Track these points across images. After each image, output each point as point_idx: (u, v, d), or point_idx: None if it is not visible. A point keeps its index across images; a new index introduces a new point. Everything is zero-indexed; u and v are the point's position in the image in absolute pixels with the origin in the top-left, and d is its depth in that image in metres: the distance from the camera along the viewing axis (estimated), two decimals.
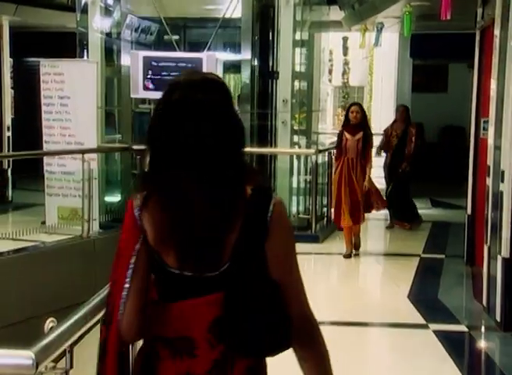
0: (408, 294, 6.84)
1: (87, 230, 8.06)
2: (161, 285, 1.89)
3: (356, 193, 8.12)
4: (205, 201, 1.80)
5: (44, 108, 8.99)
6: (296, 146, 10.67)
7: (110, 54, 10.05)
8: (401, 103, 10.16)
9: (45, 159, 9.08)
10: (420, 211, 10.58)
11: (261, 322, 1.80)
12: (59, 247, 7.92)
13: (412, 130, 9.88)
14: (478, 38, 7.77)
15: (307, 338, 1.89)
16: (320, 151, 9.98)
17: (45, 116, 8.99)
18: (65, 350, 2.21)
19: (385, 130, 10.34)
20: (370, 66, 13.16)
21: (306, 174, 10.52)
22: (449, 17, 6.43)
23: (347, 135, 8.18)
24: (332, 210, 8.63)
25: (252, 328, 1.80)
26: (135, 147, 8.99)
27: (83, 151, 8.25)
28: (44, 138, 9.01)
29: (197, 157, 1.81)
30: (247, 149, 1.96)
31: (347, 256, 8.24)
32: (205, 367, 1.83)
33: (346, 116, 8.35)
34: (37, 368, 1.98)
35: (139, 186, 1.97)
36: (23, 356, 1.97)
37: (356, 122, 8.11)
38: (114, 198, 10.00)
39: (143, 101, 8.99)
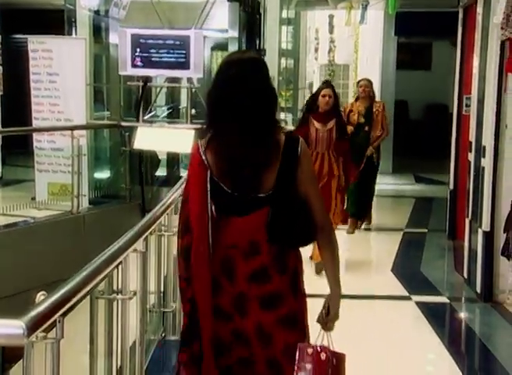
0: (392, 267, 6.89)
1: (77, 206, 8.07)
2: (222, 207, 2.62)
3: (330, 201, 6.42)
4: (250, 146, 2.53)
5: (32, 84, 8.90)
6: (283, 123, 10.66)
7: (98, 31, 9.95)
8: (365, 77, 8.71)
9: (35, 136, 9.02)
10: (404, 187, 10.63)
11: (297, 224, 2.61)
12: (49, 222, 7.96)
13: (378, 107, 8.31)
14: (461, 16, 7.79)
15: (325, 234, 2.70)
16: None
17: (34, 93, 8.91)
18: (55, 320, 2.21)
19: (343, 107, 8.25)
20: (355, 44, 13.11)
21: None
22: None
23: (316, 124, 6.54)
24: None
25: (291, 229, 2.61)
26: (124, 124, 8.96)
27: (72, 128, 8.22)
28: (34, 115, 8.92)
29: (247, 115, 2.52)
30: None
31: (317, 270, 6.33)
32: (270, 259, 2.60)
33: (314, 100, 6.64)
34: (28, 337, 1.99)
35: (201, 134, 2.66)
36: (14, 326, 1.97)
37: (327, 108, 6.51)
38: (103, 174, 9.98)
39: (131, 77, 8.91)
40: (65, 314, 2.28)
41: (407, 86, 13.95)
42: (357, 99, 8.42)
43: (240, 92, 2.52)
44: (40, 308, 2.12)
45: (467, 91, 7.46)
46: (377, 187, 8.92)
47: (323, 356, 2.60)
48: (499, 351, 4.98)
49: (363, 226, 8.66)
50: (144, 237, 3.49)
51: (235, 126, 2.53)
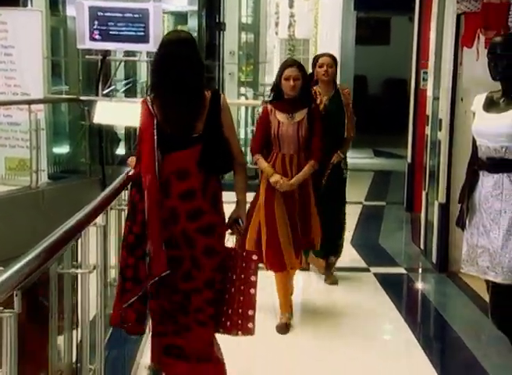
0: (351, 239, 6.97)
1: (36, 181, 7.95)
2: (166, 144, 3.45)
3: (306, 213, 4.84)
4: (184, 101, 3.43)
5: None
6: (244, 97, 10.65)
7: (55, 3, 9.79)
8: (326, 52, 5.82)
9: None
10: (363, 161, 10.69)
11: (221, 157, 3.55)
12: (8, 197, 7.83)
13: (346, 95, 5.57)
14: None
15: (240, 168, 3.67)
16: (266, 103, 9.94)
17: None
18: (13, 294, 2.20)
19: None
20: (315, 19, 13.06)
21: (253, 125, 10.52)
22: None
23: (279, 116, 4.72)
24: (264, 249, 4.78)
25: (217, 160, 3.53)
26: (83, 98, 8.85)
27: (29, 102, 8.08)
28: None
29: (181, 80, 3.41)
30: None
31: (283, 329, 4.76)
32: (198, 183, 3.47)
33: (277, 85, 4.75)
34: None
35: (149, 92, 3.54)
36: None
37: (294, 94, 4.67)
38: (62, 149, 9.86)
39: (90, 51, 8.79)
40: (22, 288, 2.27)
41: (366, 61, 14.01)
42: (314, 83, 5.47)
43: (175, 64, 3.42)
44: None
45: (424, 66, 7.53)
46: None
47: (255, 256, 3.68)
48: (454, 319, 5.09)
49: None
50: (103, 211, 3.47)
51: (171, 88, 3.42)
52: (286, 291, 4.84)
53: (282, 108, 4.73)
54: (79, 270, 3.28)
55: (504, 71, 3.44)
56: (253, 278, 3.62)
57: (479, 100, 3.62)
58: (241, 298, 3.64)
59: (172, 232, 3.49)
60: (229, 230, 3.70)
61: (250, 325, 3.62)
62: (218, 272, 3.54)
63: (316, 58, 5.58)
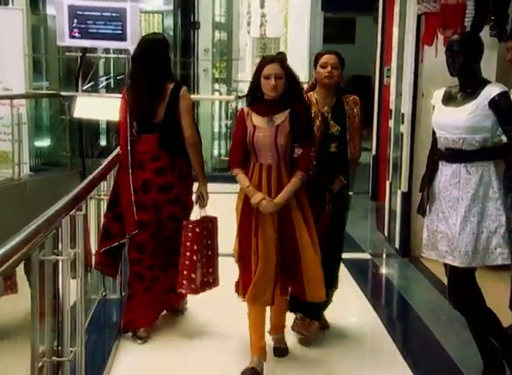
0: None
1: (18, 173, 7.86)
2: (137, 127, 4.15)
3: (291, 238, 3.75)
4: (148, 91, 4.05)
5: None
6: (217, 93, 10.64)
7: (35, 2, 9.72)
8: (331, 50, 4.24)
9: None
10: None
11: (177, 141, 4.12)
12: None
13: (352, 103, 4.21)
14: None
15: (192, 149, 4.15)
16: (239, 98, 9.95)
17: None
18: None
19: None
20: (285, 19, 13.10)
21: (226, 119, 10.54)
22: None
23: (256, 120, 3.73)
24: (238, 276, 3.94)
25: (174, 144, 4.11)
26: (63, 93, 8.80)
27: (11, 97, 7.97)
28: None
29: (148, 74, 4.08)
30: None
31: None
32: (166, 162, 4.13)
33: (255, 85, 3.73)
34: None
35: (127, 84, 4.34)
36: None
37: (275, 95, 3.67)
38: (44, 142, 9.80)
39: (69, 48, 8.72)
40: (2, 273, 2.25)
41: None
42: (312, 88, 4.17)
43: (143, 59, 4.10)
44: None
45: (387, 63, 7.56)
46: None
47: (197, 229, 4.07)
48: (415, 301, 5.14)
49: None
50: (83, 200, 3.45)
51: (137, 80, 4.14)
52: (260, 327, 3.84)
53: (260, 110, 3.71)
54: (59, 257, 3.26)
55: (461, 67, 3.46)
56: (190, 245, 4.04)
57: (438, 94, 3.64)
58: (186, 262, 4.05)
59: (142, 199, 4.13)
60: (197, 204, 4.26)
61: (192, 286, 4.07)
62: (177, 233, 4.11)
63: (318, 56, 4.16)
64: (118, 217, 4.20)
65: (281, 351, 4.03)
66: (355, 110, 4.16)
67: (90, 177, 3.84)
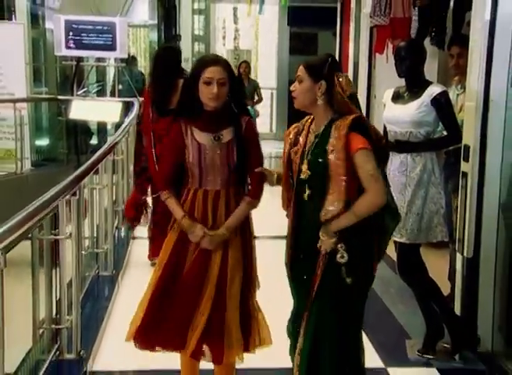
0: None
1: (21, 168, 7.92)
2: (156, 113, 4.59)
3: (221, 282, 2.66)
4: (166, 86, 4.46)
5: None
6: None
7: (36, 18, 9.61)
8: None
9: None
10: None
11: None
12: None
13: (341, 130, 2.40)
14: (339, 9, 7.86)
15: None
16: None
17: None
18: None
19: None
20: (256, 33, 13.09)
21: None
22: None
23: (200, 137, 2.66)
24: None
25: None
26: (60, 97, 8.77)
27: (14, 101, 8.00)
28: None
29: (164, 73, 4.52)
30: None
31: None
32: None
33: (191, 92, 2.62)
34: None
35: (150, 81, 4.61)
36: None
37: (217, 105, 2.60)
38: (43, 141, 9.72)
39: (66, 58, 8.65)
40: (6, 248, 2.22)
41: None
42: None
43: (158, 63, 4.53)
44: None
45: (345, 70, 7.59)
46: (274, 151, 8.88)
47: None
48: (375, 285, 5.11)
49: None
50: (76, 186, 3.40)
51: (160, 78, 4.42)
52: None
53: (203, 125, 2.65)
54: (57, 236, 3.24)
55: (407, 70, 3.48)
56: None
57: (388, 94, 3.66)
58: None
59: None
60: None
61: None
62: None
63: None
64: (149, 179, 4.62)
65: None
66: (342, 138, 2.38)
67: (82, 168, 3.81)
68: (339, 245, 2.43)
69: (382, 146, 2.53)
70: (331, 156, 2.37)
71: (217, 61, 2.61)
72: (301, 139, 2.54)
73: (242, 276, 2.67)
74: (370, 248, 2.52)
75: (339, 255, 2.43)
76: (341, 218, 2.41)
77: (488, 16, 3.44)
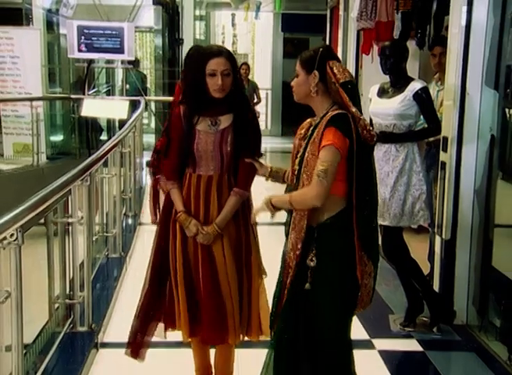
0: None
1: (37, 161, 7.94)
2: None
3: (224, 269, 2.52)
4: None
5: None
6: None
7: (51, 25, 9.56)
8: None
9: (1, 106, 8.60)
10: (290, 145, 10.66)
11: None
12: (15, 173, 7.77)
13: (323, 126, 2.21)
14: (328, 15, 7.83)
15: None
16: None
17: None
18: (17, 229, 2.14)
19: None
20: (252, 38, 13.05)
21: None
22: None
23: (199, 123, 2.50)
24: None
25: None
26: (73, 96, 8.74)
27: (31, 99, 8.03)
28: (0, 89, 8.51)
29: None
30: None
31: None
32: None
33: (197, 84, 2.46)
34: None
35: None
36: None
37: (221, 96, 2.44)
38: (57, 136, 9.69)
39: (78, 60, 8.62)
40: (23, 226, 2.21)
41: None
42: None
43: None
44: (2, 220, 2.06)
45: None
46: (269, 146, 8.71)
47: None
48: None
49: None
50: (87, 173, 3.38)
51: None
52: (203, 360, 2.77)
53: (203, 111, 2.51)
54: (69, 219, 3.23)
55: (391, 67, 3.47)
56: None
57: (374, 89, 3.65)
58: None
59: None
60: None
61: None
62: None
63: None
64: None
65: None
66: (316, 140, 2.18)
67: (92, 156, 3.80)
68: (311, 247, 2.15)
69: (368, 140, 2.18)
70: (308, 149, 2.17)
71: (220, 52, 2.43)
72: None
73: (237, 263, 2.51)
74: (349, 253, 2.15)
75: (309, 258, 2.17)
76: (281, 196, 2.23)
77: (463, 22, 3.46)
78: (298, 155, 2.25)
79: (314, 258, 2.15)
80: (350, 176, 2.13)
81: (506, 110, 3.48)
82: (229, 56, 2.44)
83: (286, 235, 2.27)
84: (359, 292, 2.20)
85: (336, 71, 2.16)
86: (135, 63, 9.29)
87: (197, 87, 2.43)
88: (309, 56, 2.25)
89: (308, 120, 2.35)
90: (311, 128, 2.26)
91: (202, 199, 2.49)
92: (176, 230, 2.52)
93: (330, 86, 2.18)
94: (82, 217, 3.29)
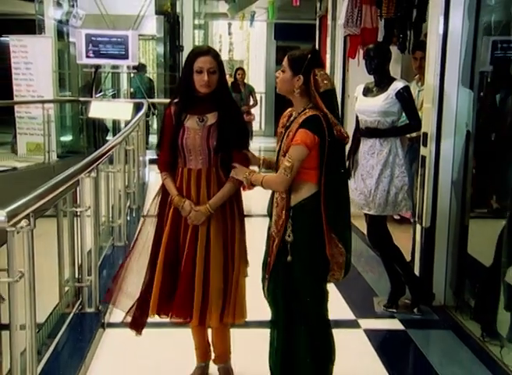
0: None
1: (48, 159, 7.93)
2: None
3: (218, 258, 2.50)
4: None
5: (13, 70, 8.49)
6: None
7: (61, 34, 9.55)
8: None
9: (16, 108, 8.60)
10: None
11: None
12: (28, 170, 7.75)
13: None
14: (317, 24, 7.82)
15: None
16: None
17: (14, 77, 8.50)
18: (29, 214, 2.12)
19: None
20: (247, 46, 13.02)
21: None
22: (298, 4, 6.41)
23: (188, 121, 2.49)
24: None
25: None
26: (81, 99, 8.71)
27: (43, 102, 8.03)
28: (15, 93, 8.52)
29: None
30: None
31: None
32: None
33: (185, 80, 2.46)
34: (8, 222, 1.91)
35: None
36: None
37: (208, 91, 2.43)
38: (67, 136, 9.67)
39: (86, 66, 8.60)
40: (35, 211, 2.19)
41: None
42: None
43: None
44: (16, 205, 2.04)
45: None
46: (263, 145, 8.76)
47: None
48: None
49: None
50: (94, 165, 3.36)
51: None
52: (202, 340, 2.75)
53: (192, 109, 2.50)
54: (78, 209, 3.21)
55: (376, 67, 3.47)
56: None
57: (359, 88, 3.64)
58: None
59: None
60: None
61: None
62: None
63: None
64: None
65: None
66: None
67: (98, 150, 3.79)
68: (288, 224, 2.28)
69: (341, 138, 2.27)
70: (285, 140, 2.31)
71: (207, 51, 2.45)
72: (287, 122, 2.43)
73: (223, 250, 2.49)
74: (319, 233, 2.27)
75: (286, 234, 2.29)
76: (257, 175, 2.36)
77: (441, 31, 3.47)
78: (278, 144, 2.41)
79: (290, 234, 2.30)
80: (320, 166, 2.25)
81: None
82: (216, 56, 2.46)
83: (269, 215, 2.41)
84: (329, 267, 2.33)
85: (319, 79, 2.24)
86: (142, 68, 9.27)
87: (187, 83, 2.45)
88: (298, 58, 2.28)
89: (289, 109, 2.44)
90: (291, 119, 2.36)
91: (193, 191, 2.49)
92: (168, 217, 2.52)
93: (311, 90, 2.27)
94: (89, 207, 3.27)
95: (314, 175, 2.26)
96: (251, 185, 2.39)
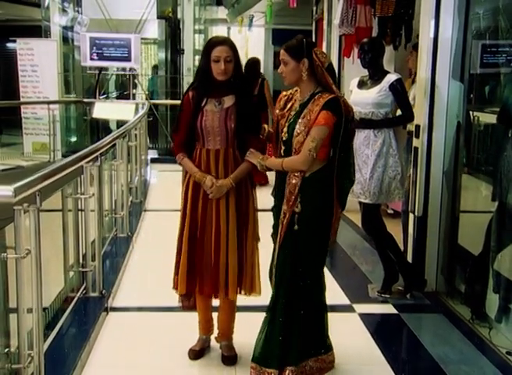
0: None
1: (53, 158, 7.94)
2: None
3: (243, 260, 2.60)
4: None
5: (20, 73, 8.52)
6: None
7: (66, 39, 9.57)
8: None
9: (22, 108, 8.64)
10: None
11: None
12: (34, 168, 7.61)
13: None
14: (314, 27, 7.82)
15: None
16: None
17: (21, 79, 8.53)
18: (35, 193, 2.12)
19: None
20: (246, 51, 13.01)
21: None
22: (295, 5, 6.42)
23: (207, 105, 2.56)
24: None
25: None
26: (85, 100, 8.72)
27: (48, 102, 8.08)
28: (21, 94, 8.55)
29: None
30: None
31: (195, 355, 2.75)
32: None
33: (204, 70, 2.53)
34: (15, 197, 1.90)
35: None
36: (6, 189, 1.91)
37: (225, 78, 2.50)
38: (71, 136, 9.68)
39: (90, 68, 8.60)
40: (41, 190, 2.19)
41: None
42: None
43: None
44: (23, 182, 2.04)
45: None
46: None
47: None
48: (341, 240, 4.98)
49: None
50: (96, 154, 3.35)
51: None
52: (206, 314, 2.78)
53: (211, 93, 2.56)
54: (82, 196, 3.20)
55: (370, 61, 3.48)
56: None
57: (354, 81, 3.65)
58: None
59: None
60: None
61: None
62: None
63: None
64: None
65: (229, 359, 2.73)
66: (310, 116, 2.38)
67: (101, 140, 3.78)
68: (298, 197, 2.39)
69: (351, 118, 2.45)
70: (298, 124, 2.38)
71: (224, 41, 2.53)
72: (288, 105, 2.52)
73: (238, 224, 2.56)
74: (325, 205, 2.42)
75: (295, 206, 2.41)
76: (274, 160, 2.48)
77: (432, 35, 3.49)
78: (286, 124, 2.47)
79: (298, 205, 2.42)
80: (334, 143, 2.40)
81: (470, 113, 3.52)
82: (232, 45, 2.53)
83: (275, 196, 2.54)
84: (330, 232, 2.48)
85: (320, 56, 2.38)
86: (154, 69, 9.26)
87: (205, 71, 2.53)
88: (296, 46, 2.40)
89: (284, 93, 2.56)
90: (300, 104, 2.45)
91: (212, 169, 2.56)
92: (188, 195, 2.60)
93: (316, 70, 2.39)
94: (93, 194, 3.27)
95: (324, 152, 2.39)
96: (265, 169, 2.50)
